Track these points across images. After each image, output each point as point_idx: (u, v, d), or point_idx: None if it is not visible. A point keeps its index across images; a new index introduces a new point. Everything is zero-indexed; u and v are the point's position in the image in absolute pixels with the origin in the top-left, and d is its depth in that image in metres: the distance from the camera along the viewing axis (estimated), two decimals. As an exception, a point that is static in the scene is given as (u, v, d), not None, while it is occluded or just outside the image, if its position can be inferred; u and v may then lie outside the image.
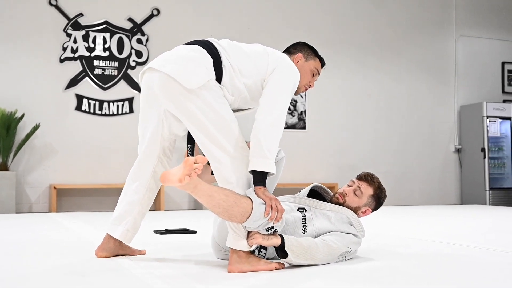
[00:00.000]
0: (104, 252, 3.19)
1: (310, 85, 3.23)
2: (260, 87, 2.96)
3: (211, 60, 2.87)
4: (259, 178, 2.77)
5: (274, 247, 2.85)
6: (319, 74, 3.25)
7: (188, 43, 3.02)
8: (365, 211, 3.24)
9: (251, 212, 2.67)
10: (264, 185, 2.78)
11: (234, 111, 3.01)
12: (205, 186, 2.64)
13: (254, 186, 2.78)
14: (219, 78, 2.87)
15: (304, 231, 3.04)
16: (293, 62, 3.12)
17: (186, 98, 2.81)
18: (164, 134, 3.08)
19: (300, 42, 3.29)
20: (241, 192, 2.78)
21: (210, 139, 2.82)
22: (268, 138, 2.77)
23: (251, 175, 2.81)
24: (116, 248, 3.22)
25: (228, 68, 2.90)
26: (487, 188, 9.97)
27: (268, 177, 2.82)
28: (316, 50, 3.28)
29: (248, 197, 2.72)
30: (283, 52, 3.23)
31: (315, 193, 3.37)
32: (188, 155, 3.14)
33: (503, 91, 10.91)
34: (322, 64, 3.28)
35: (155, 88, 2.91)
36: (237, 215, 2.67)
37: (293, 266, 2.89)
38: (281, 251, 2.83)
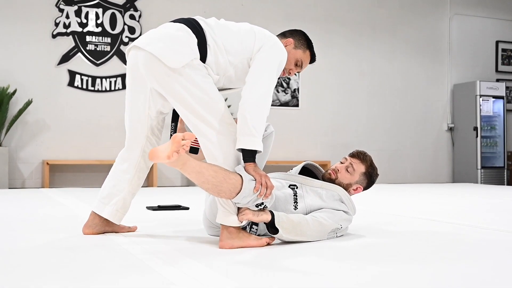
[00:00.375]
0: (90, 229, 3.17)
1: (290, 73, 3.18)
2: (247, 66, 2.95)
3: (196, 40, 2.86)
4: (248, 155, 2.78)
5: (265, 223, 2.87)
6: (302, 67, 3.18)
7: (174, 21, 2.99)
8: (356, 188, 3.26)
9: (240, 188, 2.68)
10: (254, 161, 2.79)
11: (220, 90, 3.01)
12: (193, 162, 2.65)
13: (244, 163, 2.79)
14: (203, 57, 2.87)
15: (295, 208, 3.06)
16: (283, 44, 3.09)
17: (170, 77, 2.81)
18: (151, 113, 3.05)
19: (299, 30, 3.23)
20: (229, 168, 2.79)
21: (196, 116, 2.82)
22: (254, 115, 2.77)
23: (240, 152, 2.82)
24: (102, 225, 3.19)
25: (213, 47, 2.89)
26: (479, 166, 10.02)
27: (257, 154, 2.83)
28: (312, 44, 3.21)
29: (238, 173, 2.73)
30: (280, 34, 3.20)
31: (307, 171, 3.39)
32: (171, 133, 3.15)
33: (496, 70, 10.92)
34: (312, 59, 3.23)
35: (140, 67, 2.90)
36: (226, 191, 2.68)
37: (284, 242, 2.91)
38: (271, 227, 2.85)
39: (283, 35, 3.18)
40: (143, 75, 2.91)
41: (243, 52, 2.94)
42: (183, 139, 2.54)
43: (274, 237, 2.89)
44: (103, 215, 3.16)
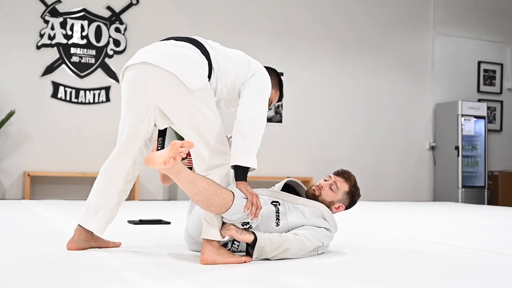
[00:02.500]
0: (75, 244, 3.10)
1: None
2: (237, 92, 3.02)
3: (207, 62, 2.91)
4: (241, 173, 2.82)
5: (246, 243, 2.88)
6: (270, 105, 3.25)
7: (177, 39, 3.00)
8: (339, 207, 3.27)
9: (231, 204, 2.69)
10: (245, 180, 2.82)
11: None
12: (188, 172, 2.66)
13: (236, 181, 2.82)
14: (208, 79, 2.92)
15: (277, 225, 3.06)
16: None
17: (186, 98, 2.83)
18: (149, 128, 3.04)
19: (273, 68, 3.33)
20: (221, 184, 2.82)
21: (198, 135, 2.86)
22: (252, 132, 2.83)
23: (231, 172, 2.85)
24: (88, 240, 3.13)
25: (216, 70, 2.95)
26: (460, 186, 10.09)
27: (256, 169, 2.88)
28: (283, 85, 3.36)
29: (230, 190, 2.74)
30: None
31: (290, 188, 3.40)
32: (158, 148, 3.15)
33: (478, 90, 11.04)
34: (280, 99, 3.37)
35: (149, 84, 2.87)
36: (216, 205, 2.69)
37: (265, 258, 2.91)
38: (252, 248, 2.86)
39: None
40: (150, 92, 2.89)
41: (238, 77, 3.01)
42: (181, 146, 2.55)
43: (251, 257, 2.88)
44: (89, 228, 3.10)
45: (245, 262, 2.82)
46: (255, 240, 2.83)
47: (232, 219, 2.75)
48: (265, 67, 3.25)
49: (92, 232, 3.15)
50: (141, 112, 2.99)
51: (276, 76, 3.30)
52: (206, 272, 2.56)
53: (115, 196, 3.12)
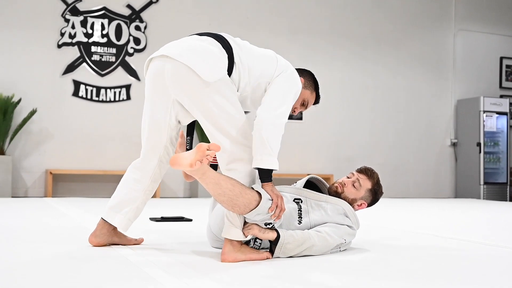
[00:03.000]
0: (97, 238, 3.12)
1: (294, 111, 3.20)
2: (263, 90, 2.97)
3: (226, 55, 2.88)
4: (265, 174, 2.80)
5: (269, 241, 2.87)
6: (306, 107, 3.23)
7: (200, 34, 3.00)
8: (361, 204, 3.26)
9: (256, 205, 2.69)
10: (270, 181, 2.81)
11: None
12: (213, 173, 2.65)
13: (262, 182, 2.81)
14: (229, 74, 2.89)
15: (299, 223, 3.05)
16: None
17: (203, 90, 2.82)
18: (172, 123, 3.03)
19: (307, 70, 3.27)
20: (245, 181, 2.82)
21: (218, 129, 2.84)
22: (271, 134, 2.78)
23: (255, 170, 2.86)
24: (110, 235, 3.15)
25: (238, 65, 2.92)
26: (482, 182, 10.01)
27: (278, 170, 2.86)
28: (319, 86, 3.26)
29: (256, 190, 2.74)
30: None
31: (312, 185, 3.39)
32: (186, 148, 3.16)
33: (500, 86, 10.94)
34: (317, 101, 3.29)
35: (167, 77, 2.88)
36: (240, 206, 2.69)
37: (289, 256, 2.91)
38: (275, 245, 2.85)
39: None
40: (168, 85, 2.89)
41: (263, 75, 2.96)
42: (208, 149, 2.54)
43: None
44: (113, 223, 3.11)
45: (267, 258, 2.81)
46: (278, 237, 2.83)
47: (255, 219, 2.75)
48: (299, 69, 3.22)
49: (115, 228, 3.16)
50: (161, 106, 2.99)
51: (310, 77, 3.24)
52: (229, 269, 2.56)
53: (141, 194, 3.12)
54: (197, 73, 2.79)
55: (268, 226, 2.81)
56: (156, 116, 3.02)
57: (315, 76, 3.27)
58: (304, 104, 3.20)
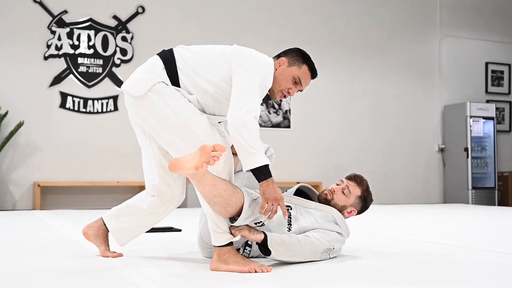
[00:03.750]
0: (88, 229, 3.21)
1: (289, 93, 3.06)
2: (229, 86, 2.90)
3: (162, 65, 2.90)
4: (258, 173, 2.75)
5: (257, 243, 2.86)
6: (301, 84, 3.06)
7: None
8: (351, 211, 3.26)
9: (242, 206, 2.70)
10: (267, 177, 2.75)
11: (218, 116, 2.99)
12: (210, 175, 2.64)
13: (259, 182, 2.77)
14: (175, 81, 2.89)
15: (289, 230, 3.05)
16: (276, 66, 3.02)
17: (137, 107, 2.88)
18: (154, 150, 3.02)
19: (294, 48, 3.14)
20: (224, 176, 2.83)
21: (166, 142, 2.88)
22: (245, 134, 2.72)
23: (225, 168, 2.82)
24: (98, 234, 3.19)
25: (185, 69, 2.90)
26: (470, 187, 10.05)
27: (270, 164, 2.81)
28: (309, 58, 3.10)
29: (241, 190, 2.75)
30: (274, 56, 3.12)
31: (302, 193, 3.39)
32: None
33: (486, 91, 11.00)
34: (313, 74, 3.12)
35: (127, 108, 3.00)
36: (233, 205, 2.70)
37: (279, 264, 2.90)
38: (264, 248, 2.84)
39: (277, 56, 3.10)
40: (131, 114, 2.98)
41: (222, 71, 2.91)
42: (213, 150, 2.51)
43: (266, 269, 2.79)
44: (107, 226, 3.19)
45: (249, 272, 2.72)
46: (266, 238, 2.81)
47: (245, 222, 2.76)
48: (283, 51, 3.11)
49: (106, 232, 3.21)
50: (140, 136, 3.06)
51: (295, 53, 3.08)
52: (220, 279, 2.55)
53: (138, 213, 3.16)
54: (128, 92, 2.89)
55: (258, 224, 2.81)
56: (142, 145, 3.10)
57: (303, 50, 3.11)
58: (296, 82, 3.04)
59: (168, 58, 2.92)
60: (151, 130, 2.89)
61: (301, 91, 3.12)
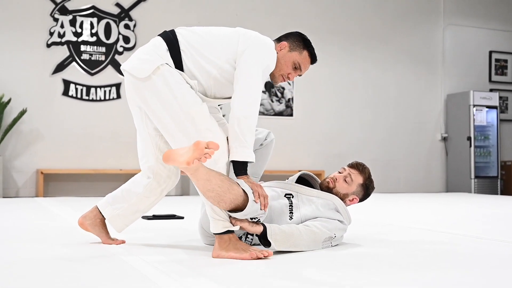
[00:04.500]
0: (84, 219, 3.18)
1: (289, 78, 3.07)
2: (232, 68, 2.89)
3: (165, 47, 2.88)
4: (240, 168, 2.79)
5: (257, 235, 2.86)
6: (301, 69, 3.06)
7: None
8: (353, 199, 3.26)
9: (242, 201, 2.69)
10: (245, 173, 2.79)
11: (215, 99, 2.97)
12: (204, 169, 2.62)
13: (236, 176, 2.79)
14: (178, 63, 2.87)
15: (291, 218, 3.05)
16: (277, 50, 3.02)
17: (140, 88, 2.84)
18: (150, 131, 3.01)
19: (295, 32, 3.14)
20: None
21: (163, 126, 2.86)
22: (244, 127, 2.75)
23: (221, 158, 2.81)
24: (95, 223, 3.17)
25: (188, 51, 2.88)
26: (473, 176, 10.05)
27: (254, 162, 2.85)
28: (310, 43, 3.09)
29: (241, 186, 2.72)
30: (275, 39, 3.12)
31: (303, 181, 3.39)
32: None
33: (490, 80, 10.98)
34: (312, 60, 3.12)
35: (126, 88, 2.96)
36: (227, 201, 2.68)
37: (282, 252, 2.91)
38: (264, 240, 2.85)
39: (278, 39, 3.10)
40: (130, 95, 2.95)
41: (226, 53, 2.89)
42: (206, 147, 2.49)
43: (267, 252, 2.78)
44: (103, 214, 3.17)
45: (251, 258, 2.72)
46: (265, 230, 2.82)
47: (244, 217, 2.76)
48: (284, 34, 3.10)
49: (103, 220, 3.20)
50: (137, 117, 3.03)
51: (296, 38, 3.07)
52: (222, 266, 2.56)
53: (133, 197, 3.14)
54: (131, 73, 2.85)
55: (253, 220, 2.81)
56: (137, 126, 3.07)
57: (304, 35, 3.10)
58: (296, 68, 3.04)
59: (171, 40, 2.89)
60: (149, 112, 2.87)
61: (300, 75, 3.12)
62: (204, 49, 2.89)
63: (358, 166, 3.29)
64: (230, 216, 2.79)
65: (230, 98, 2.97)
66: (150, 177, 3.11)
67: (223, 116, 3.13)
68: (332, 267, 2.58)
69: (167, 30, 2.99)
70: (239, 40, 2.91)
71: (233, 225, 2.78)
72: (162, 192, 3.15)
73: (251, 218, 2.79)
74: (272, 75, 3.05)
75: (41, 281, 2.22)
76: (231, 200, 2.68)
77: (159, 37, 2.94)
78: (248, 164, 2.85)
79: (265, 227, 2.82)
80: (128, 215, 3.17)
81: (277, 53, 3.02)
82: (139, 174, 3.20)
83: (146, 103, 2.85)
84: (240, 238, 3.00)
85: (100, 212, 3.19)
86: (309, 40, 3.11)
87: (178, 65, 2.87)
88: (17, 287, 2.12)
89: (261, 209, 2.75)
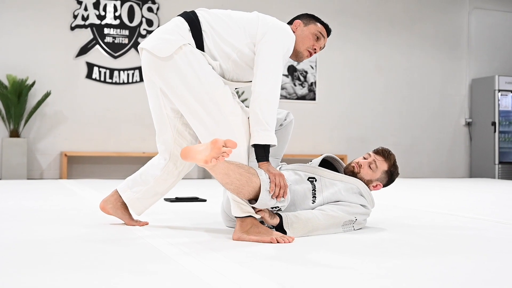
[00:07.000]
0: (105, 203, 3.23)
1: (315, 49, 3.10)
2: (252, 52, 2.89)
3: (187, 27, 2.86)
4: (261, 153, 2.77)
5: (274, 227, 2.87)
6: (324, 37, 3.10)
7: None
8: (376, 185, 3.24)
9: (259, 192, 2.68)
10: (267, 159, 2.78)
11: (233, 82, 2.96)
12: (223, 164, 2.60)
13: (258, 162, 2.78)
14: (199, 43, 2.85)
15: (313, 202, 3.05)
16: (293, 29, 3.07)
17: (162, 68, 2.81)
18: (168, 113, 3.02)
19: (302, 13, 3.21)
20: (240, 157, 2.78)
21: (185, 108, 2.83)
22: (265, 110, 2.74)
23: (244, 141, 2.80)
24: (116, 206, 3.22)
25: (210, 32, 2.87)
26: (497, 162, 9.96)
27: (276, 145, 2.84)
28: (320, 19, 3.16)
29: (259, 177, 2.71)
30: (287, 22, 3.14)
31: (327, 163, 3.38)
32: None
33: (515, 65, 10.84)
34: (327, 30, 3.15)
35: (144, 67, 2.92)
36: (245, 193, 2.68)
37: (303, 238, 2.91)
38: (281, 230, 2.85)
39: (289, 22, 3.15)
40: (148, 74, 2.92)
41: (245, 37, 2.89)
42: (224, 146, 2.46)
43: (287, 239, 2.76)
44: (123, 197, 3.20)
45: (270, 242, 2.72)
46: (281, 221, 2.83)
47: (263, 208, 2.75)
48: (294, 17, 3.17)
49: (124, 203, 3.23)
50: (154, 97, 3.01)
51: (306, 15, 3.15)
52: (243, 247, 2.56)
53: (151, 180, 3.16)
54: (153, 52, 2.81)
55: (275, 209, 2.81)
56: (154, 107, 3.05)
57: (310, 13, 3.20)
58: (318, 37, 3.09)
59: (193, 20, 2.88)
60: (170, 93, 2.85)
61: (322, 49, 3.13)
62: (224, 32, 2.89)
63: (383, 153, 3.25)
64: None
65: (247, 82, 2.99)
66: (166, 158, 3.12)
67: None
68: (345, 251, 2.57)
69: (189, 11, 2.98)
70: (258, 25, 2.92)
71: (256, 212, 2.78)
72: (179, 174, 3.16)
73: (272, 208, 2.79)
74: (296, 52, 3.07)
75: (68, 261, 2.24)
76: (249, 192, 2.68)
77: (180, 17, 2.92)
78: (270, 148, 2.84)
79: (281, 218, 2.83)
80: (147, 198, 3.20)
81: (294, 32, 3.06)
82: (156, 156, 3.22)
83: (168, 84, 2.83)
84: (262, 222, 3.01)
85: (120, 196, 3.22)
86: (317, 17, 3.19)
87: (199, 45, 2.86)
88: (45, 266, 2.14)
89: (272, 198, 2.73)
